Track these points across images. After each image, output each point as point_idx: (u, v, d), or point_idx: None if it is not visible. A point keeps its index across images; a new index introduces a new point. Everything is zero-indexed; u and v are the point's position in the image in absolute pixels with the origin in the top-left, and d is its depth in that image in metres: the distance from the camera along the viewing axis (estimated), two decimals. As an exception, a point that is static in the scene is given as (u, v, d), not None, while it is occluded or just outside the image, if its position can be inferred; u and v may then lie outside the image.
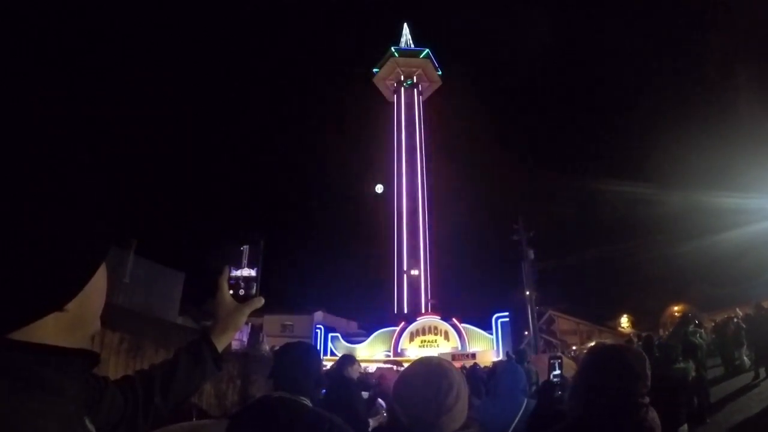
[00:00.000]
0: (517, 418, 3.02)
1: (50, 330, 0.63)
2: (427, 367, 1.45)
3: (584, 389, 1.75)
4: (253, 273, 1.22)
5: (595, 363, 1.79)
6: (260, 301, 1.21)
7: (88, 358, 0.69)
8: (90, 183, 0.67)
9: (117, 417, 0.91)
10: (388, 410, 1.46)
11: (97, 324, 0.73)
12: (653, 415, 1.67)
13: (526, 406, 3.10)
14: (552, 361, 2.99)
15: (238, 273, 1.21)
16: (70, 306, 0.64)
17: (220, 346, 1.16)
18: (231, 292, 1.18)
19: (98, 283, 0.70)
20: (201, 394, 9.13)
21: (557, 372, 2.89)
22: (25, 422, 0.56)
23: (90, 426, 0.74)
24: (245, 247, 1.25)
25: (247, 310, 1.20)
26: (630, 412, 1.63)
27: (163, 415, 1.03)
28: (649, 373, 1.71)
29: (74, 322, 0.67)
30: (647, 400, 1.69)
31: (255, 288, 1.20)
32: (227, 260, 1.23)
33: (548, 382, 2.89)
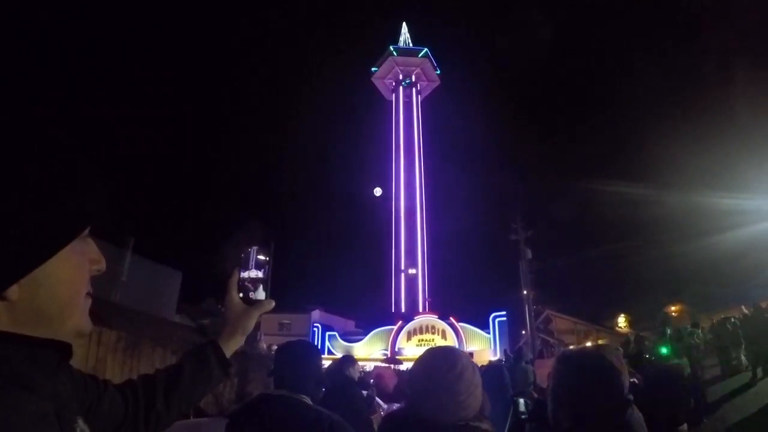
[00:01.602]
0: (509, 418, 3.01)
1: (3, 322, 0.59)
2: (443, 350, 1.64)
3: (568, 398, 1.70)
4: (260, 274, 1.19)
5: (574, 369, 1.74)
6: (270, 304, 1.18)
7: (57, 350, 0.65)
8: (44, 167, 0.62)
9: (117, 421, 0.89)
10: (409, 391, 1.53)
11: (77, 321, 0.68)
12: (638, 413, 1.65)
13: (515, 404, 3.09)
14: (516, 399, 2.95)
15: (245, 274, 1.18)
16: (14, 294, 0.59)
17: (228, 351, 1.12)
18: (241, 294, 1.15)
19: (60, 273, 0.65)
20: (198, 393, 9.06)
21: (523, 410, 2.85)
22: None
23: (84, 426, 0.72)
24: (253, 249, 1.21)
25: (256, 313, 1.16)
26: (619, 411, 1.61)
27: (166, 420, 0.99)
28: (625, 367, 1.70)
29: (33, 315, 0.62)
30: (631, 397, 1.67)
31: (263, 290, 1.18)
32: (236, 262, 1.18)
33: (518, 420, 2.83)
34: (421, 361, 1.58)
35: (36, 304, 0.63)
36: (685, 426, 5.38)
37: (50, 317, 0.65)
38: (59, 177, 0.64)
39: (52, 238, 0.63)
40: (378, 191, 46.21)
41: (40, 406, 0.61)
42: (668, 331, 9.36)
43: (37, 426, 0.59)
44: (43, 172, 0.63)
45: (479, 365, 15.98)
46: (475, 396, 1.47)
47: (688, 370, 7.38)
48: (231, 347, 1.13)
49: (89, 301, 0.72)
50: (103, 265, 0.73)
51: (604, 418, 1.60)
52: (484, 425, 1.44)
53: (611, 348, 1.82)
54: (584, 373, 1.69)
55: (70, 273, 0.67)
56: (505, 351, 22.28)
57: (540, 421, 2.39)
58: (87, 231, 0.70)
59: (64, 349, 0.67)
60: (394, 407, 3.84)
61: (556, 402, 1.75)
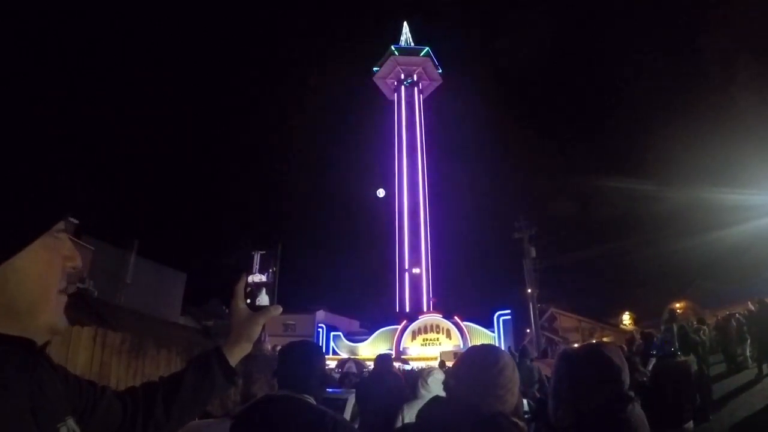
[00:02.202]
0: None
1: None
2: (480, 345, 1.75)
3: (568, 395, 1.70)
4: (263, 278, 1.15)
5: (575, 366, 1.74)
6: (277, 310, 1.14)
7: (20, 345, 0.65)
8: (12, 160, 0.62)
9: (114, 426, 0.90)
10: (452, 380, 1.63)
11: (49, 317, 0.69)
12: (639, 409, 1.64)
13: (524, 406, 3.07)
14: (522, 399, 2.92)
15: (251, 279, 1.14)
16: None
17: (233, 358, 1.09)
18: (248, 300, 1.12)
19: (29, 269, 0.65)
20: (203, 394, 9.08)
21: (525, 410, 2.82)
22: None
23: (75, 427, 0.73)
24: (258, 253, 1.16)
25: (262, 320, 1.12)
26: (619, 407, 1.60)
27: (166, 429, 0.98)
28: (626, 363, 1.70)
29: (3, 310, 0.63)
30: (632, 393, 1.66)
31: (266, 294, 1.14)
32: (242, 266, 1.14)
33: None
34: (466, 356, 1.68)
35: (5, 300, 0.63)
36: (691, 423, 5.36)
37: (20, 313, 0.65)
38: (29, 170, 0.64)
39: (19, 232, 0.63)
40: (381, 192, 46.17)
41: (12, 402, 0.61)
42: (675, 328, 9.30)
43: (8, 422, 0.59)
44: (10, 165, 0.63)
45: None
46: (513, 393, 1.54)
47: (695, 367, 7.33)
48: (236, 355, 1.10)
49: (64, 298, 0.72)
50: (78, 263, 0.73)
51: (604, 415, 1.59)
52: (520, 423, 1.49)
53: (611, 344, 1.81)
54: (583, 370, 1.69)
55: (40, 268, 0.67)
56: (509, 348, 22.23)
57: (543, 420, 2.40)
58: (61, 226, 0.70)
59: (29, 347, 0.67)
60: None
61: (557, 399, 1.76)
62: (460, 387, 1.57)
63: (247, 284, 1.12)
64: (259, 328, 1.11)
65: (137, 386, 1.00)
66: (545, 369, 8.99)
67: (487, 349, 1.68)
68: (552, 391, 1.81)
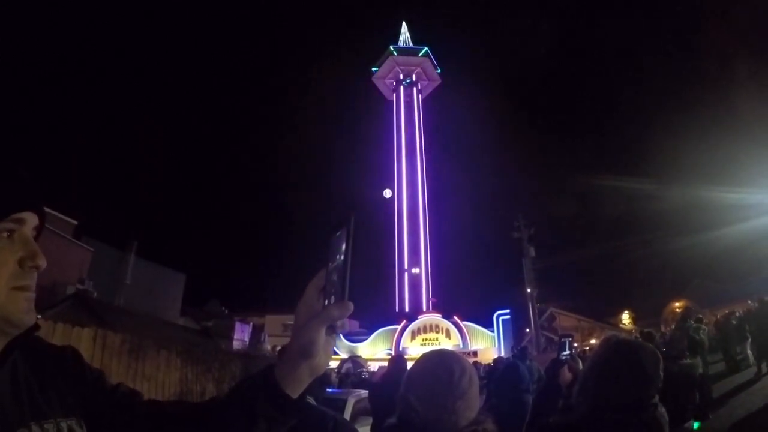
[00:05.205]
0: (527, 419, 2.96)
1: None
2: (438, 355, 1.48)
3: (594, 385, 1.69)
4: (335, 264, 0.77)
5: (607, 360, 1.70)
6: (339, 309, 0.74)
7: None
8: None
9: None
10: (400, 402, 1.38)
11: (2, 311, 0.70)
12: (662, 411, 1.62)
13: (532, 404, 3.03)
14: (563, 340, 2.88)
15: (332, 267, 0.78)
16: None
17: (286, 381, 0.78)
18: (326, 302, 0.77)
19: None
20: (204, 395, 9.16)
21: (566, 352, 2.78)
22: None
23: (77, 427, 0.73)
24: (336, 235, 0.78)
25: (319, 326, 0.76)
26: (639, 411, 1.58)
27: None
28: (661, 374, 1.64)
29: None
30: (657, 399, 1.64)
31: (342, 287, 0.73)
32: (322, 256, 0.80)
33: (557, 360, 2.78)
34: (419, 368, 1.45)
35: None
36: (690, 422, 5.36)
37: None
38: None
39: None
40: (387, 193, 46.03)
41: None
42: (687, 328, 9.24)
43: None
44: None
45: (484, 363, 15.92)
46: (476, 391, 1.39)
47: (700, 370, 7.28)
48: (289, 375, 0.78)
49: (25, 294, 0.72)
50: (38, 262, 0.72)
51: (621, 414, 1.57)
52: (488, 425, 1.35)
53: (650, 350, 1.71)
54: (614, 369, 1.65)
55: None
56: (512, 348, 22.26)
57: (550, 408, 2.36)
58: (10, 225, 0.71)
59: None
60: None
61: (584, 383, 1.74)
62: (413, 404, 1.34)
63: (328, 274, 0.79)
64: (315, 336, 0.76)
65: (189, 403, 0.89)
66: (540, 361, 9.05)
67: (440, 357, 1.44)
68: (582, 372, 1.79)
